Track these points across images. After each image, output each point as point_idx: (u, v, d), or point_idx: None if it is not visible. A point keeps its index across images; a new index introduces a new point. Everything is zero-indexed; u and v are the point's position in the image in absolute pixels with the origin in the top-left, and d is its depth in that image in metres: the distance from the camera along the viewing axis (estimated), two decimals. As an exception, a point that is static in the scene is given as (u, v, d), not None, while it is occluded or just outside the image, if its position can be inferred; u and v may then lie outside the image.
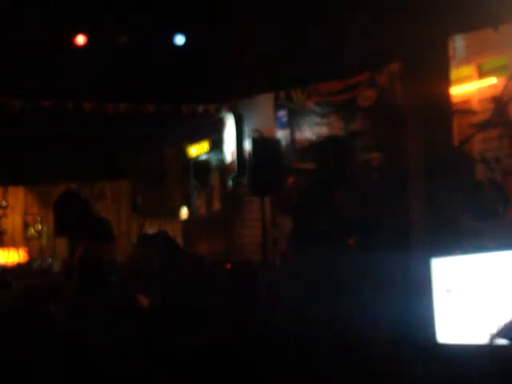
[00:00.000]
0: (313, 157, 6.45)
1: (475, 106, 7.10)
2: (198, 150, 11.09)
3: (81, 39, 8.38)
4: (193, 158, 11.15)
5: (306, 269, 5.54)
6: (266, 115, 9.65)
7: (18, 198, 12.83)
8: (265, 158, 8.16)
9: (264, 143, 8.64)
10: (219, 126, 10.39)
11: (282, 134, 9.30)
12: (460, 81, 7.00)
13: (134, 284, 7.54)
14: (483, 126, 6.79)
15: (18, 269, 11.12)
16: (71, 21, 8.09)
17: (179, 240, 10.62)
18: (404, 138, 6.05)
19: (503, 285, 3.95)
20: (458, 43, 7.03)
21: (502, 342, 2.08)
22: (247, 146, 9.41)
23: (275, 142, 8.69)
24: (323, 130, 8.93)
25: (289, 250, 6.55)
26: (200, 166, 10.88)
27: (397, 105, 7.51)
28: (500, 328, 2.21)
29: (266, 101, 9.65)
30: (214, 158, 10.75)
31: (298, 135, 9.22)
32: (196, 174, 10.91)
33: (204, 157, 10.96)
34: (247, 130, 9.88)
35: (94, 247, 6.28)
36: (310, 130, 9.08)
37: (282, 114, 9.46)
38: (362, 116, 8.34)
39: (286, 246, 6.82)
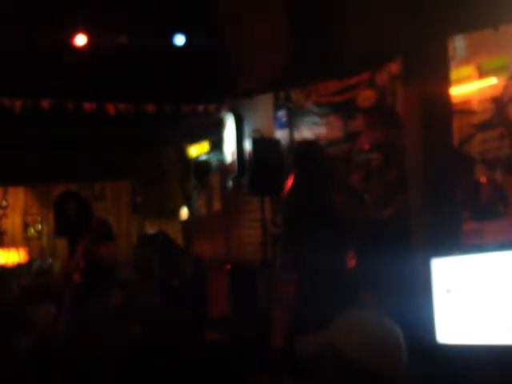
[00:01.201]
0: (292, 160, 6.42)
1: (475, 106, 7.10)
2: (198, 150, 11.09)
3: (81, 39, 8.38)
4: (193, 158, 11.14)
5: (300, 270, 5.50)
6: (265, 115, 9.64)
7: (18, 198, 12.82)
8: (265, 158, 8.16)
9: (264, 143, 8.64)
10: (219, 126, 10.39)
11: (281, 134, 9.30)
12: (460, 81, 7.00)
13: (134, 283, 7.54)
14: (483, 126, 6.79)
15: (17, 269, 11.11)
16: (71, 21, 8.09)
17: (179, 240, 10.62)
18: (404, 138, 6.06)
19: (503, 285, 3.95)
20: (458, 43, 7.03)
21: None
22: (247, 146, 9.41)
23: (275, 142, 8.69)
24: (322, 130, 8.92)
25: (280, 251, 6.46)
26: (200, 166, 10.88)
27: (396, 105, 7.52)
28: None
29: (265, 101, 9.64)
30: (213, 158, 10.75)
31: (298, 135, 9.22)
32: (196, 173, 10.90)
33: (204, 157, 10.95)
34: (247, 130, 9.88)
35: (94, 247, 6.29)
36: (310, 130, 9.08)
37: (282, 114, 9.46)
38: (361, 116, 8.34)
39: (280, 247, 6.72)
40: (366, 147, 7.91)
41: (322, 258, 5.17)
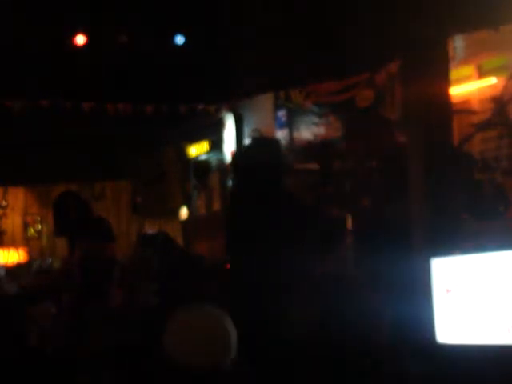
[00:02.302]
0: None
1: (475, 106, 7.10)
2: (197, 150, 11.10)
3: (81, 39, 8.39)
4: (193, 158, 11.15)
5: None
6: (265, 115, 9.65)
7: (17, 198, 12.82)
8: (265, 158, 8.15)
9: (264, 143, 8.64)
10: (219, 126, 10.40)
11: (281, 134, 9.31)
12: (460, 81, 7.00)
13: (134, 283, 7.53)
14: (483, 126, 6.80)
15: (17, 269, 11.11)
16: (71, 21, 8.10)
17: (179, 240, 10.61)
18: (403, 138, 6.05)
19: (503, 285, 3.95)
20: (458, 43, 7.03)
21: None
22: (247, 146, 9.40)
23: (275, 142, 8.68)
24: (321, 130, 8.93)
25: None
26: (200, 165, 10.88)
27: (389, 108, 7.55)
28: None
29: (265, 101, 9.65)
30: (213, 158, 10.75)
31: (297, 135, 9.23)
32: (196, 173, 10.91)
33: (204, 157, 10.96)
34: (247, 130, 9.88)
35: (94, 247, 6.29)
36: (309, 130, 9.08)
37: (282, 114, 9.47)
38: (360, 116, 8.35)
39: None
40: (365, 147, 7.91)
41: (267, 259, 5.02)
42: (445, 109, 5.28)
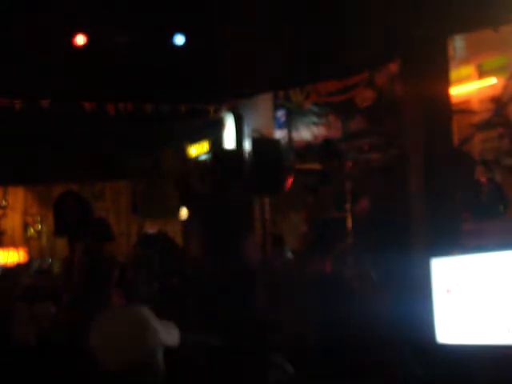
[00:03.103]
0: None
1: (475, 106, 7.11)
2: (197, 150, 11.09)
3: (81, 39, 8.39)
4: (193, 158, 11.14)
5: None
6: (264, 115, 9.65)
7: (17, 198, 12.82)
8: (265, 157, 8.16)
9: (264, 143, 8.64)
10: (219, 126, 10.39)
11: (280, 134, 9.31)
12: (460, 81, 7.01)
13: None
14: (483, 126, 6.81)
15: (17, 269, 11.10)
16: (71, 21, 8.09)
17: (179, 240, 10.61)
18: (403, 137, 6.06)
19: (503, 285, 3.95)
20: (458, 43, 7.04)
21: None
22: (247, 145, 9.40)
23: (275, 142, 8.69)
24: (321, 130, 8.93)
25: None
26: (200, 165, 10.88)
27: (396, 105, 7.52)
28: None
29: (265, 101, 9.65)
30: (213, 158, 10.74)
31: (296, 135, 9.23)
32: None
33: (204, 157, 10.96)
34: (247, 130, 9.88)
35: (94, 247, 6.29)
36: (308, 130, 9.08)
37: (281, 114, 9.47)
38: (361, 116, 8.34)
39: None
40: (366, 147, 7.91)
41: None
42: (445, 109, 5.28)
